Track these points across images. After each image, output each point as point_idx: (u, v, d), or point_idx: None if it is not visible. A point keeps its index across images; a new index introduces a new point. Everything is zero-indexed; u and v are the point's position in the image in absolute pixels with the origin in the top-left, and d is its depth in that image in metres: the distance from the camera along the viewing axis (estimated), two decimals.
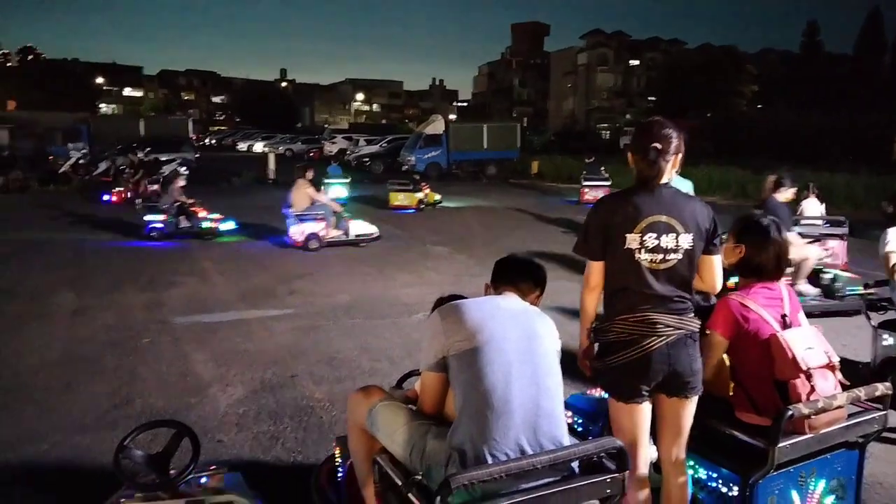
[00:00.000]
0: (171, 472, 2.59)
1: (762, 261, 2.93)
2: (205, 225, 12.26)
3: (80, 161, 24.10)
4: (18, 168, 23.38)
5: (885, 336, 4.64)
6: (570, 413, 3.39)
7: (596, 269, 2.76)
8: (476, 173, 28.47)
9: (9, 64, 73.53)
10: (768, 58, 59.86)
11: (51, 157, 26.14)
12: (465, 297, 2.57)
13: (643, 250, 2.61)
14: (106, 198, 17.41)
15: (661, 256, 2.62)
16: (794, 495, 2.86)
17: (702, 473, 2.94)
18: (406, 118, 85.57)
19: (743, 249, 2.96)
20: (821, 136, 32.26)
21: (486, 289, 2.77)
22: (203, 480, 2.77)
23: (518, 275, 2.70)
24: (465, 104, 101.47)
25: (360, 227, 11.84)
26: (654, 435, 2.84)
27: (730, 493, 2.80)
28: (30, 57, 73.69)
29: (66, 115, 34.92)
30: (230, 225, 12.57)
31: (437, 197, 17.66)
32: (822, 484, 2.94)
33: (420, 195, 16.93)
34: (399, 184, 17.54)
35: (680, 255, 2.64)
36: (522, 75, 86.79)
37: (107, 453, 3.91)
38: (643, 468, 2.74)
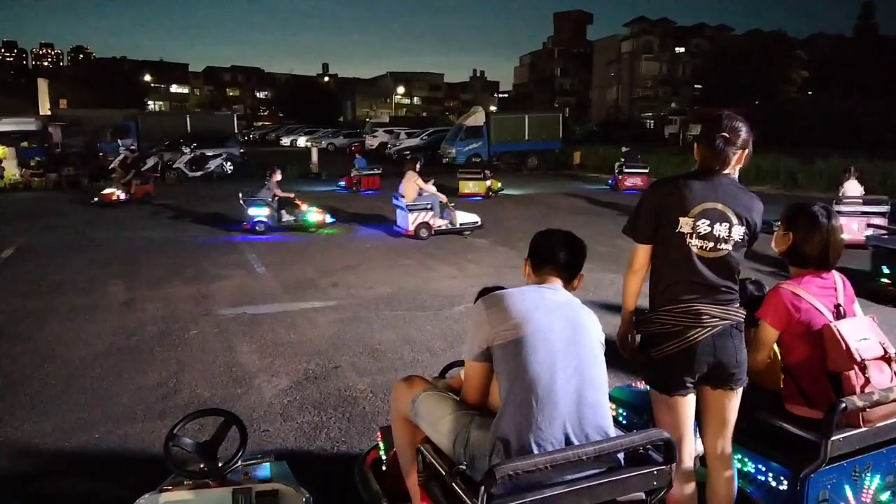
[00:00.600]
0: (219, 460, 2.64)
1: (811, 248, 2.83)
2: (311, 219, 12.45)
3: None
4: (70, 164, 24.15)
5: None
6: (614, 406, 3.36)
7: (642, 251, 2.72)
8: (517, 164, 28.31)
9: (61, 64, 75.83)
10: (819, 42, 58.02)
11: (101, 154, 26.85)
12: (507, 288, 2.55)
13: (694, 235, 2.57)
14: (95, 200, 16.29)
15: (711, 244, 2.57)
16: (848, 490, 2.78)
17: (750, 467, 2.87)
18: (447, 110, 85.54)
19: (791, 237, 2.88)
20: (876, 123, 31.17)
21: (524, 265, 2.65)
22: (250, 469, 2.82)
23: (562, 260, 2.55)
24: (506, 95, 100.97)
25: (464, 217, 12.11)
26: (699, 428, 2.79)
27: (780, 487, 2.74)
28: (81, 56, 75.94)
29: (115, 113, 35.81)
30: (329, 218, 12.82)
31: (499, 184, 18.62)
32: (877, 479, 2.85)
33: (488, 183, 17.95)
34: (470, 173, 18.60)
35: (730, 247, 2.59)
36: (564, 65, 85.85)
37: (156, 442, 4.06)
38: (688, 461, 2.70)
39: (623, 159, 20.41)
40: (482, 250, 10.74)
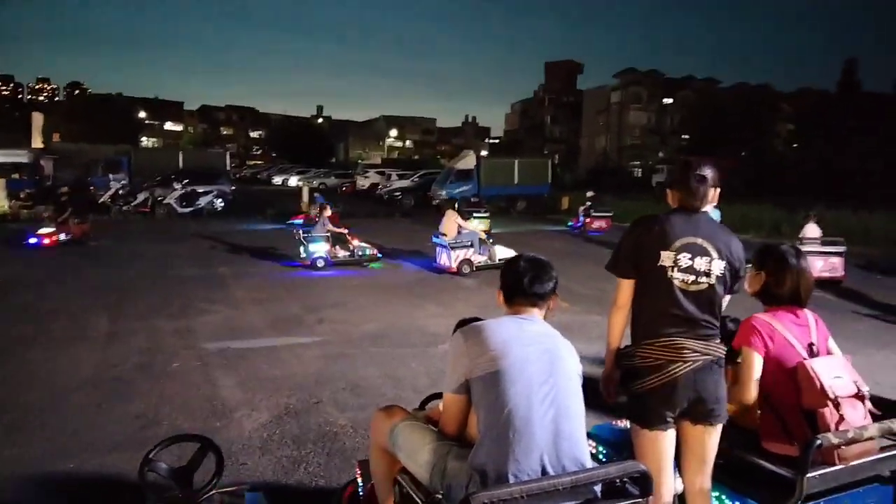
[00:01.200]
0: (194, 485, 2.61)
1: (782, 287, 2.89)
2: (367, 252, 12.84)
3: (120, 192, 24.72)
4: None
5: None
6: (594, 443, 3.35)
7: (626, 287, 2.76)
8: (506, 208, 28.53)
9: (57, 98, 76.34)
10: (805, 97, 59.35)
11: (91, 188, 26.87)
12: (484, 319, 2.57)
13: (676, 269, 2.62)
14: (33, 240, 14.52)
15: (692, 278, 2.62)
16: None
17: None
18: (438, 154, 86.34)
19: (763, 276, 2.94)
20: (857, 175, 31.77)
21: (498, 295, 2.67)
22: (225, 498, 2.79)
23: (528, 290, 2.54)
24: (497, 141, 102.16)
25: (502, 252, 12.35)
26: (678, 465, 2.79)
27: None
28: (76, 91, 76.47)
29: (107, 148, 35.95)
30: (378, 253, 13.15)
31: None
32: None
33: (490, 221, 18.41)
34: (477, 211, 18.68)
35: (712, 280, 2.64)
36: (555, 113, 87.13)
37: (133, 471, 3.97)
38: (667, 497, 2.70)
39: (589, 203, 21.23)
40: (470, 290, 10.76)
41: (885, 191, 28.30)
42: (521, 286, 2.55)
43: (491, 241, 12.70)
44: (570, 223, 21.62)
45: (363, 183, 40.33)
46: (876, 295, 10.50)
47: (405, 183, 33.82)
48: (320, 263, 12.26)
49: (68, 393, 5.56)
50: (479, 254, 12.22)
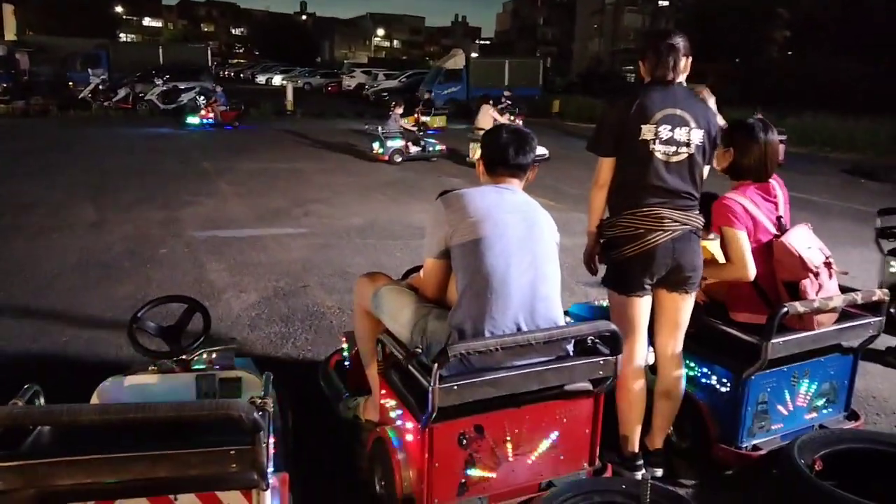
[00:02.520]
0: (182, 343, 2.70)
1: (749, 160, 2.92)
2: (436, 148, 13.36)
3: (100, 87, 24.03)
4: (39, 93, 23.42)
5: (894, 263, 4.64)
6: (571, 321, 3.47)
7: (606, 165, 2.77)
8: None
9: None
10: (803, 2, 57.70)
11: (70, 83, 26.09)
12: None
13: (657, 141, 2.63)
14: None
15: (673, 149, 2.65)
16: (786, 394, 2.94)
17: (696, 371, 3.02)
18: (427, 55, 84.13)
19: (732, 152, 2.96)
20: (854, 83, 31.35)
21: (477, 164, 2.70)
22: (213, 357, 2.88)
23: (511, 160, 2.56)
24: (487, 42, 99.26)
25: (538, 150, 12.46)
26: (651, 334, 2.90)
27: (722, 389, 2.89)
28: None
29: (85, 42, 34.63)
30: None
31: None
32: (814, 386, 3.02)
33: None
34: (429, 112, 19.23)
35: (692, 150, 2.67)
36: (548, 14, 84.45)
37: (123, 344, 4.11)
38: (640, 360, 2.82)
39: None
40: (456, 188, 10.75)
41: (872, 98, 28.05)
42: (504, 156, 2.57)
43: None
44: None
45: (349, 83, 39.41)
46: (857, 197, 10.66)
47: (392, 83, 33.17)
48: (397, 158, 12.73)
49: (54, 278, 5.62)
50: None
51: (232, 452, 1.70)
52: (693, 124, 2.67)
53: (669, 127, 2.64)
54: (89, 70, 26.34)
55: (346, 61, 61.45)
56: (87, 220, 7.67)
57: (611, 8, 70.36)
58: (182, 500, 1.78)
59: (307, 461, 2.83)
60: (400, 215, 8.42)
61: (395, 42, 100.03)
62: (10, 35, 40.27)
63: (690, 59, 2.78)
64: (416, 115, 17.89)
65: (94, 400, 2.53)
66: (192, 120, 18.57)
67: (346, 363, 3.28)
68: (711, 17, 46.02)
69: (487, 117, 12.76)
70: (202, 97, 24.84)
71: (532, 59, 34.92)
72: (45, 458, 1.67)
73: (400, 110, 13.58)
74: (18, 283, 5.44)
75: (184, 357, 2.67)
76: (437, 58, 48.51)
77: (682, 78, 2.78)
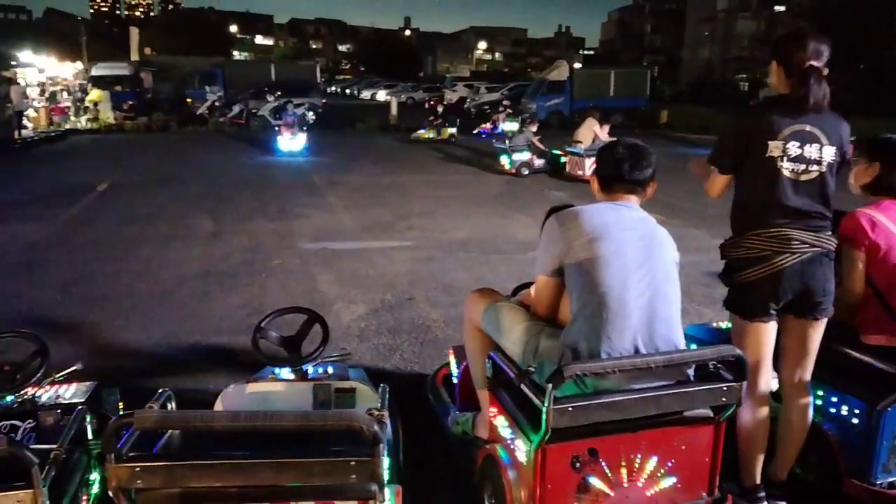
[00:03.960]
0: (302, 353, 2.80)
1: None
2: (562, 160, 13.19)
3: (216, 103, 25.47)
4: (160, 109, 25.11)
5: None
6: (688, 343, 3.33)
7: (721, 182, 2.66)
8: (601, 122, 27.57)
9: (151, 13, 78.21)
10: None
11: (189, 100, 27.79)
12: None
13: (785, 158, 2.50)
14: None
15: (803, 167, 2.50)
16: None
17: (825, 401, 2.83)
18: (529, 67, 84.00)
19: (878, 167, 2.77)
20: None
21: (592, 181, 2.62)
22: (329, 369, 2.98)
23: (628, 176, 2.48)
24: (591, 53, 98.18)
25: None
26: (776, 359, 2.75)
27: (854, 421, 2.70)
28: (170, 6, 78.05)
29: (203, 60, 36.89)
30: None
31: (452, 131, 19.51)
32: None
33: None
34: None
35: (823, 168, 2.52)
36: (655, 22, 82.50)
37: (241, 354, 4.31)
38: (764, 387, 2.67)
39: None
40: (557, 201, 10.65)
41: None
42: (620, 172, 2.49)
43: None
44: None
45: (451, 97, 39.85)
46: None
47: (494, 96, 33.25)
48: (524, 171, 12.90)
49: (177, 284, 5.98)
50: None
51: (353, 463, 1.73)
52: (825, 140, 2.51)
53: (798, 144, 2.50)
54: (206, 87, 27.97)
55: (448, 75, 62.26)
56: (206, 231, 8.12)
57: (723, 14, 67.88)
58: None
59: (416, 474, 2.86)
60: (503, 229, 8.42)
61: (497, 54, 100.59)
62: (134, 56, 43.45)
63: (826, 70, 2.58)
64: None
65: (218, 404, 2.66)
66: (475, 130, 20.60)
67: (455, 378, 3.30)
68: (833, 22, 43.57)
69: (589, 131, 12.47)
70: (311, 112, 25.98)
71: (639, 68, 34.20)
72: (181, 460, 1.76)
73: (534, 127, 13.80)
74: (146, 290, 5.82)
75: (301, 367, 2.77)
76: (540, 69, 48.34)
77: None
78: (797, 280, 2.51)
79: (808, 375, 2.68)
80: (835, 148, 2.53)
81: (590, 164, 11.80)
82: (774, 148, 2.51)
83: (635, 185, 2.51)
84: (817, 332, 2.62)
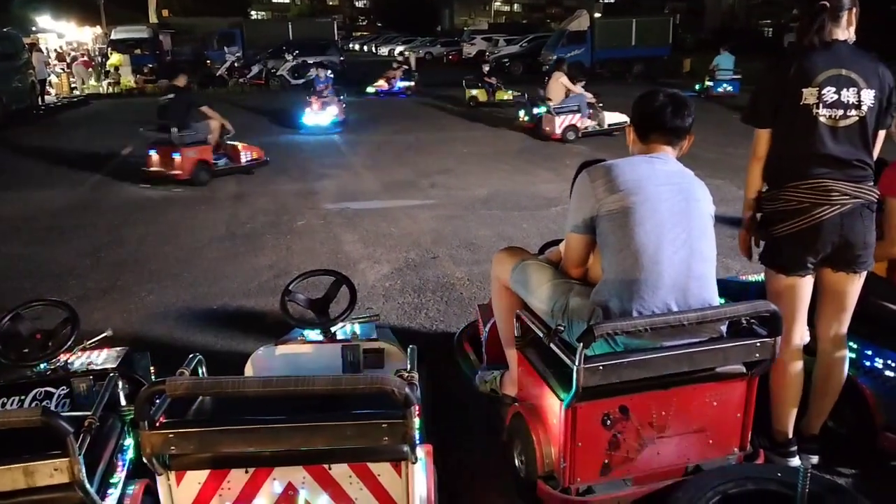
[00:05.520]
0: (330, 314, 2.81)
1: None
2: (610, 122, 12.00)
3: (235, 64, 25.29)
4: (181, 71, 24.97)
5: None
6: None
7: (764, 137, 2.56)
8: (622, 72, 27.03)
9: None
10: None
11: (208, 62, 27.62)
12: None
13: (821, 105, 2.40)
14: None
15: (840, 112, 2.40)
16: None
17: (860, 354, 2.78)
18: (549, 18, 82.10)
19: None
20: None
21: (628, 131, 2.53)
22: (357, 330, 2.98)
23: (668, 124, 2.39)
24: (612, 1, 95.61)
25: (613, 117, 11.79)
26: (811, 313, 2.69)
27: (890, 374, 2.65)
28: None
29: (219, 21, 36.53)
30: None
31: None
32: None
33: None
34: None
35: (862, 112, 2.41)
36: None
37: (269, 314, 4.35)
38: (798, 342, 2.62)
39: (717, 63, 19.06)
40: (581, 156, 10.51)
41: None
42: (661, 119, 2.38)
43: (601, 105, 12.00)
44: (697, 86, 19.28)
45: (469, 50, 39.19)
46: None
47: (513, 49, 32.54)
48: (570, 136, 11.58)
49: (204, 247, 6.02)
50: (586, 119, 11.61)
51: (384, 425, 1.73)
52: (863, 84, 2.40)
53: (834, 89, 2.39)
54: (225, 48, 27.72)
55: (466, 28, 61.16)
56: (230, 193, 8.14)
57: None
58: (335, 470, 1.85)
59: (446, 432, 2.88)
60: (524, 185, 8.34)
61: (516, 6, 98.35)
62: (152, 18, 43.16)
63: (857, 9, 2.48)
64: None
65: (248, 367, 2.68)
66: (370, 89, 19.95)
67: (482, 336, 3.29)
68: None
69: (559, 86, 11.48)
70: (329, 70, 25.73)
71: (661, 16, 33.20)
72: (214, 426, 1.78)
73: (580, 88, 12.04)
74: (173, 252, 5.88)
75: (330, 328, 2.78)
76: (560, 20, 47.25)
77: (848, 34, 2.50)
78: (836, 233, 2.43)
79: (844, 329, 2.63)
80: (874, 91, 2.41)
81: (559, 122, 11.35)
82: (809, 95, 2.42)
83: (674, 135, 2.42)
84: (856, 286, 2.55)
